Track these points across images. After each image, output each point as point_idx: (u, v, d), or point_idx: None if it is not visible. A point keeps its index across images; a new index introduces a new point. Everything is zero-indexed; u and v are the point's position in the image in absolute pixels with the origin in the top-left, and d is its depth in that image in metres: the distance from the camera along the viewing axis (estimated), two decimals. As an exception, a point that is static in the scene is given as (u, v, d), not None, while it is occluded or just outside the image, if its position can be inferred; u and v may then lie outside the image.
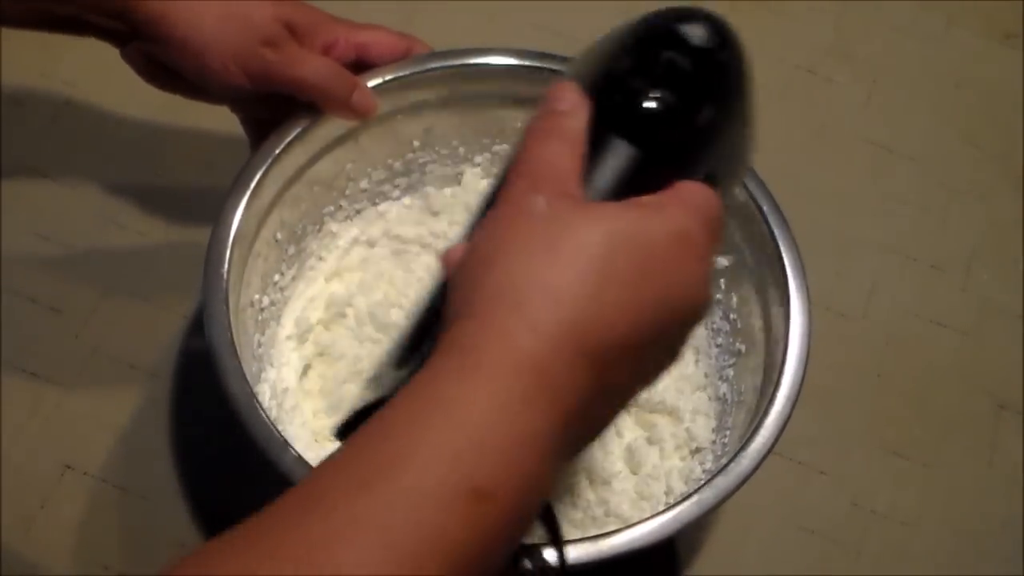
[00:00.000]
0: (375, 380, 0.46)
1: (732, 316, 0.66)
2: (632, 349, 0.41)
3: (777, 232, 0.62)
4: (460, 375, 0.38)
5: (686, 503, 0.53)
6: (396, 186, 0.70)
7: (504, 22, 0.84)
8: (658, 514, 0.53)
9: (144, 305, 0.72)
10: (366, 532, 0.35)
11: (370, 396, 0.45)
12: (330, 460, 0.38)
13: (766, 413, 0.56)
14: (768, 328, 0.61)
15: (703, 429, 0.65)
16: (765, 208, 0.62)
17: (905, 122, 0.85)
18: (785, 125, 0.84)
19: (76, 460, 0.66)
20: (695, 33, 0.45)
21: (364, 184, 0.68)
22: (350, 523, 0.35)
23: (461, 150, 0.69)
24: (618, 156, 0.44)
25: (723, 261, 0.66)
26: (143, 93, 0.79)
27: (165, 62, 0.59)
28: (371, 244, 0.70)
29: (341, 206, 0.68)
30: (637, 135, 0.44)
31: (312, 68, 0.59)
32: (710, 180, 0.45)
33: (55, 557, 0.64)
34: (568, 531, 0.61)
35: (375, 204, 0.70)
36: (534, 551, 0.48)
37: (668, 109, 0.44)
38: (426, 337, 0.45)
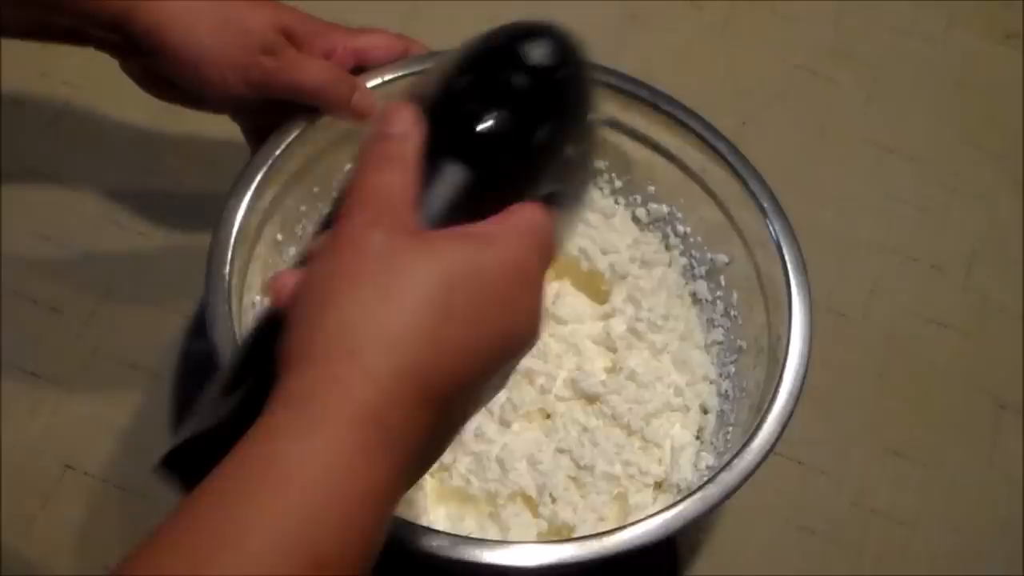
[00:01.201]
0: (201, 404, 0.44)
1: (733, 313, 0.66)
2: (471, 385, 0.41)
3: (778, 228, 0.62)
4: (297, 432, 0.37)
5: (688, 500, 0.53)
6: None
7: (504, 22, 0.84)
8: (663, 511, 0.53)
9: (144, 305, 0.72)
10: None
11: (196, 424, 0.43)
12: (164, 532, 0.36)
13: (769, 409, 0.56)
14: (769, 324, 0.61)
15: (707, 425, 0.65)
16: (766, 205, 0.62)
17: (905, 122, 0.85)
18: (785, 125, 0.84)
19: (77, 460, 0.66)
20: (533, 51, 0.45)
21: None
22: None
23: None
24: (451, 180, 0.43)
25: (723, 258, 0.67)
26: (143, 94, 0.79)
27: (163, 74, 0.59)
28: None
29: None
30: (470, 157, 0.44)
31: (312, 72, 0.59)
32: (549, 200, 0.44)
33: (55, 557, 0.64)
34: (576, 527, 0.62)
35: None
36: None
37: (501, 130, 0.44)
38: (255, 362, 0.44)
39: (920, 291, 0.78)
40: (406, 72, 0.63)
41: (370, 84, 0.62)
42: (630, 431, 0.65)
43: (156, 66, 0.58)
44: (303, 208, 0.65)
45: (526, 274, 0.42)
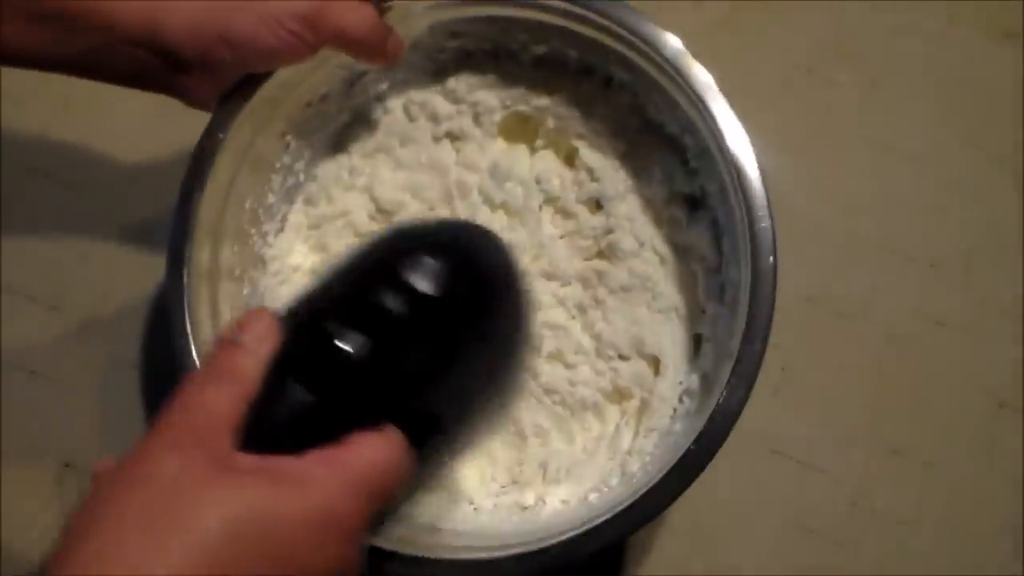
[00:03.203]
0: None
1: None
2: None
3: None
4: None
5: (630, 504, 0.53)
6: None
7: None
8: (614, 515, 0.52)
9: (144, 304, 0.72)
10: None
11: None
12: None
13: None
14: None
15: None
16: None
17: (905, 121, 0.85)
18: (785, 124, 0.84)
19: (76, 459, 0.67)
20: (411, 272, 0.42)
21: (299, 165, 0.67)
22: None
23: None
24: (290, 402, 0.41)
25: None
26: (143, 93, 0.79)
27: (215, 73, 0.56)
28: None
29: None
30: (314, 380, 0.41)
31: (354, 19, 0.57)
32: (423, 418, 0.42)
33: (55, 556, 0.64)
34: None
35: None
36: None
37: (348, 355, 0.41)
38: None
39: (919, 290, 0.78)
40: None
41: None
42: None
43: (204, 67, 0.55)
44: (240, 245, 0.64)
45: (335, 524, 0.39)
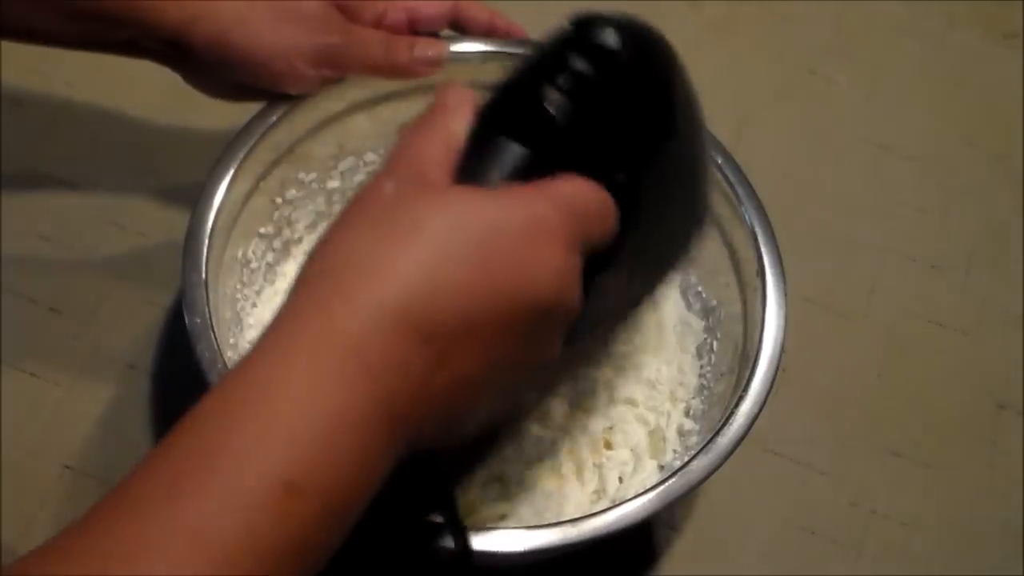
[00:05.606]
0: None
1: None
2: (476, 332, 0.40)
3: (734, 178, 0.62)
4: (276, 356, 0.38)
5: (665, 484, 0.53)
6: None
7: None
8: (642, 493, 0.53)
9: (144, 306, 0.72)
10: (177, 539, 0.34)
11: None
12: (149, 457, 0.37)
13: (742, 398, 0.56)
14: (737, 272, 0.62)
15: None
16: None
17: (905, 122, 0.85)
18: (784, 125, 0.84)
19: (76, 461, 0.67)
20: (596, 36, 0.45)
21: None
22: (162, 531, 0.35)
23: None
24: (502, 155, 0.44)
25: None
26: (143, 93, 0.79)
27: (230, 80, 0.58)
28: None
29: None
30: (523, 135, 0.44)
31: (372, 46, 0.59)
32: (620, 184, 0.44)
33: (55, 557, 0.64)
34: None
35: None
36: (433, 533, 0.47)
37: (556, 110, 0.44)
38: None
39: (919, 291, 0.78)
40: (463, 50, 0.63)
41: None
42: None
43: (222, 74, 0.58)
44: (278, 200, 0.65)
45: (545, 231, 0.41)
